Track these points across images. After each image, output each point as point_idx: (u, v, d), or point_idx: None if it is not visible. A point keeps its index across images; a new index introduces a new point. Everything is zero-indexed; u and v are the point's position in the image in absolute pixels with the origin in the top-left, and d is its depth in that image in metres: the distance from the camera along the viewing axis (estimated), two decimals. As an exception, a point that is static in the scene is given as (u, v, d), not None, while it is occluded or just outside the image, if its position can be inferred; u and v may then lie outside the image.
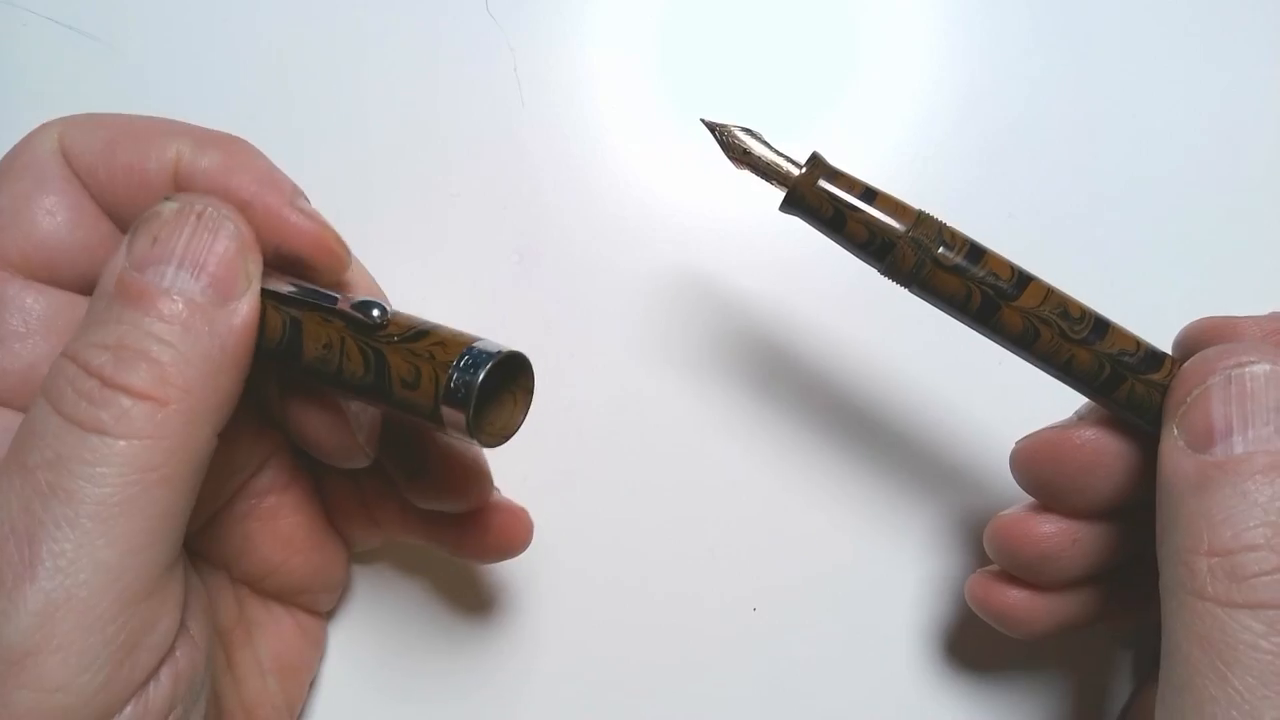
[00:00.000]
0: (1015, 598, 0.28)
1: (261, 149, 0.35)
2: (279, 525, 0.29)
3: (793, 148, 0.36)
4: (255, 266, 0.23)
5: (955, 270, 0.24)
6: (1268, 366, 0.22)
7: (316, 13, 0.37)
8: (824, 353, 0.35)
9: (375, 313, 0.23)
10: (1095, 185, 0.37)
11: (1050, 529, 0.27)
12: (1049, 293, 0.24)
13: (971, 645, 0.33)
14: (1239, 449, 0.21)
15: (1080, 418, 0.27)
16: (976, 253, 0.24)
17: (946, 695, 0.33)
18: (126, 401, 0.20)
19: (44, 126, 0.25)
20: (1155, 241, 0.37)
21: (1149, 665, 0.33)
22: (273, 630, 0.30)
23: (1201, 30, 0.38)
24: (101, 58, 0.37)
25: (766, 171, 0.24)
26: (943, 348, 0.34)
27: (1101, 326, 0.24)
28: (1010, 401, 0.32)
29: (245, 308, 0.22)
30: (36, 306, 0.24)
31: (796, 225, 0.36)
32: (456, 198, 0.36)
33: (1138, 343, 0.24)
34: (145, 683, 0.21)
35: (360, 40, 0.37)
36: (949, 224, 0.24)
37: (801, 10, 0.38)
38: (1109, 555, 0.27)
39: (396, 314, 0.23)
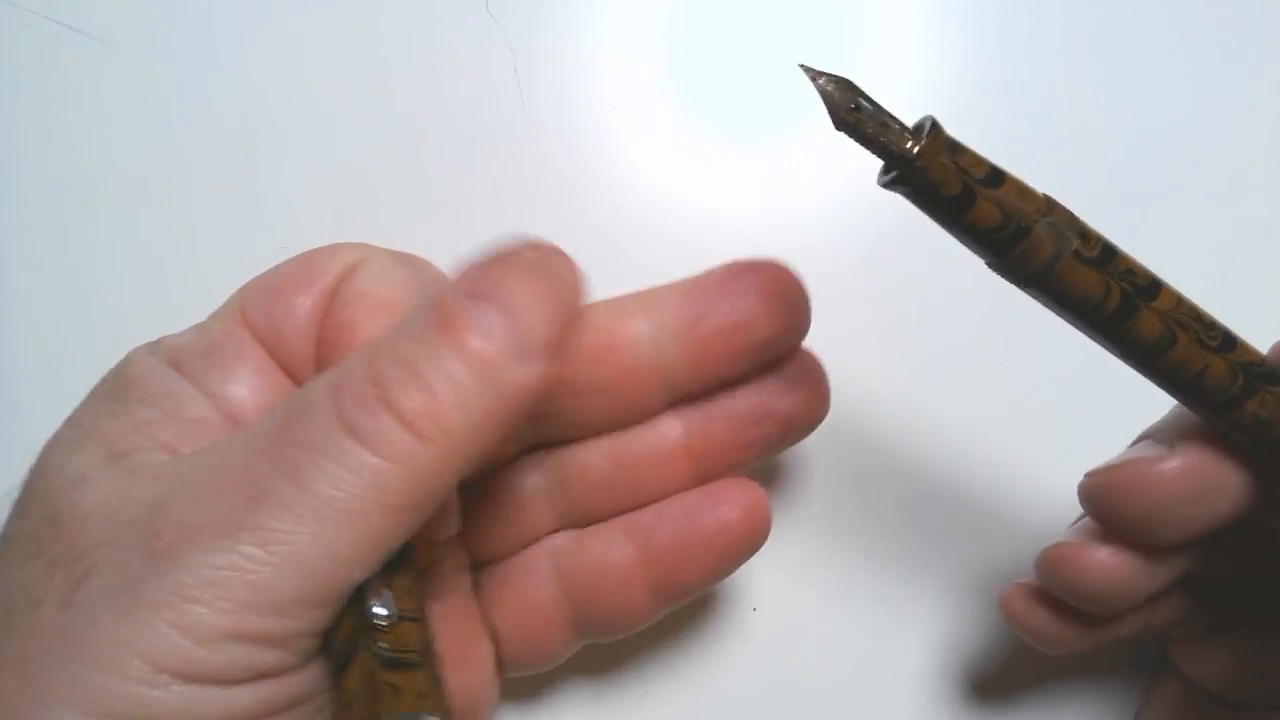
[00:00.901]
0: (1056, 622, 0.27)
1: (260, 149, 0.36)
2: (442, 629, 0.26)
3: (790, 144, 0.36)
4: (567, 336, 0.22)
5: (1097, 264, 0.21)
6: None
7: (316, 13, 0.37)
8: (834, 354, 0.35)
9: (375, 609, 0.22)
10: (1096, 184, 0.37)
11: (1116, 561, 0.25)
12: (1181, 299, 0.22)
13: (976, 644, 0.33)
14: None
15: (1166, 443, 0.25)
16: (1110, 250, 0.22)
17: (949, 694, 0.33)
18: (389, 421, 0.20)
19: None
20: (1157, 240, 0.36)
21: (1158, 671, 0.32)
22: None
23: (1205, 27, 0.39)
24: (101, 58, 0.36)
25: (874, 137, 0.21)
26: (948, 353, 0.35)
27: (1231, 336, 0.22)
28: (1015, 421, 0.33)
29: (538, 373, 0.21)
30: None
31: (797, 224, 0.36)
32: (456, 198, 0.36)
33: (1262, 356, 0.23)
34: (249, 682, 0.20)
35: (360, 40, 0.36)
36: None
37: (800, 10, 0.39)
38: (1170, 581, 0.26)
39: (400, 627, 0.22)
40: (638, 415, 0.27)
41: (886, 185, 0.21)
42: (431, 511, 0.21)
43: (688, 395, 0.27)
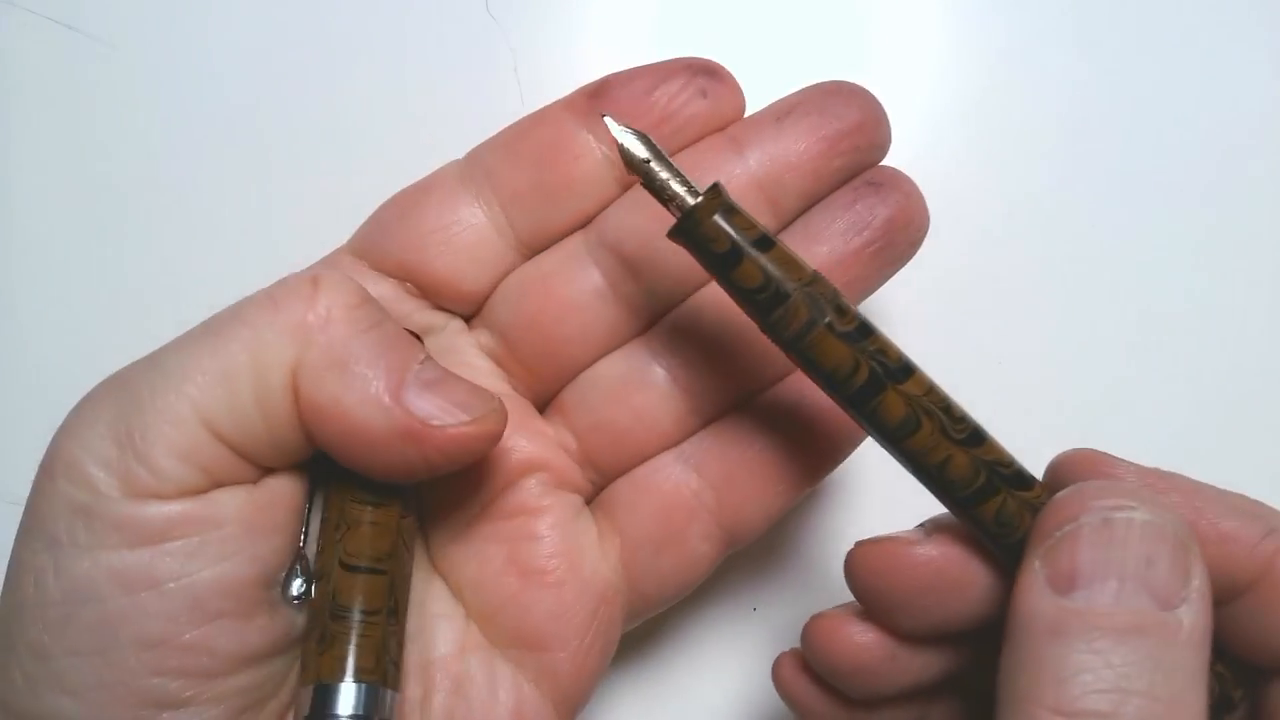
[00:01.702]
0: (818, 696, 0.27)
1: (260, 150, 0.37)
2: (524, 550, 0.26)
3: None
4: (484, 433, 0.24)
5: (848, 339, 0.22)
6: (1146, 516, 0.20)
7: (316, 13, 0.37)
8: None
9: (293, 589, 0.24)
10: (1095, 185, 0.37)
11: (866, 639, 0.25)
12: (932, 388, 0.22)
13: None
14: (1102, 601, 0.20)
15: (926, 531, 0.25)
16: (866, 329, 0.22)
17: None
18: (307, 291, 0.23)
19: None
20: (1156, 240, 0.37)
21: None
22: (486, 700, 0.26)
23: (1206, 29, 0.38)
24: (101, 58, 0.37)
25: (662, 189, 0.22)
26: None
27: (980, 431, 0.22)
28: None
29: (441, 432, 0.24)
30: None
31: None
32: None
33: (1011, 458, 0.23)
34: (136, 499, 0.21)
35: (360, 40, 0.37)
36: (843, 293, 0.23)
37: (801, 10, 0.38)
38: (926, 677, 0.25)
39: (314, 597, 0.24)
40: None
41: (670, 235, 0.23)
42: (294, 448, 0.23)
43: (789, 209, 0.27)
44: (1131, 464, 0.23)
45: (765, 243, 0.22)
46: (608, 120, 0.23)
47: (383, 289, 0.27)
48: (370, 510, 0.24)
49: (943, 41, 0.38)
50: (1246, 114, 0.37)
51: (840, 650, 0.25)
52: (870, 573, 0.24)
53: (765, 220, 0.25)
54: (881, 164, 0.28)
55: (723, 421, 0.27)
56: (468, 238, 0.27)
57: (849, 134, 0.27)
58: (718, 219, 0.22)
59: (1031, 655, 0.20)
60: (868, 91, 0.28)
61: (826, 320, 0.22)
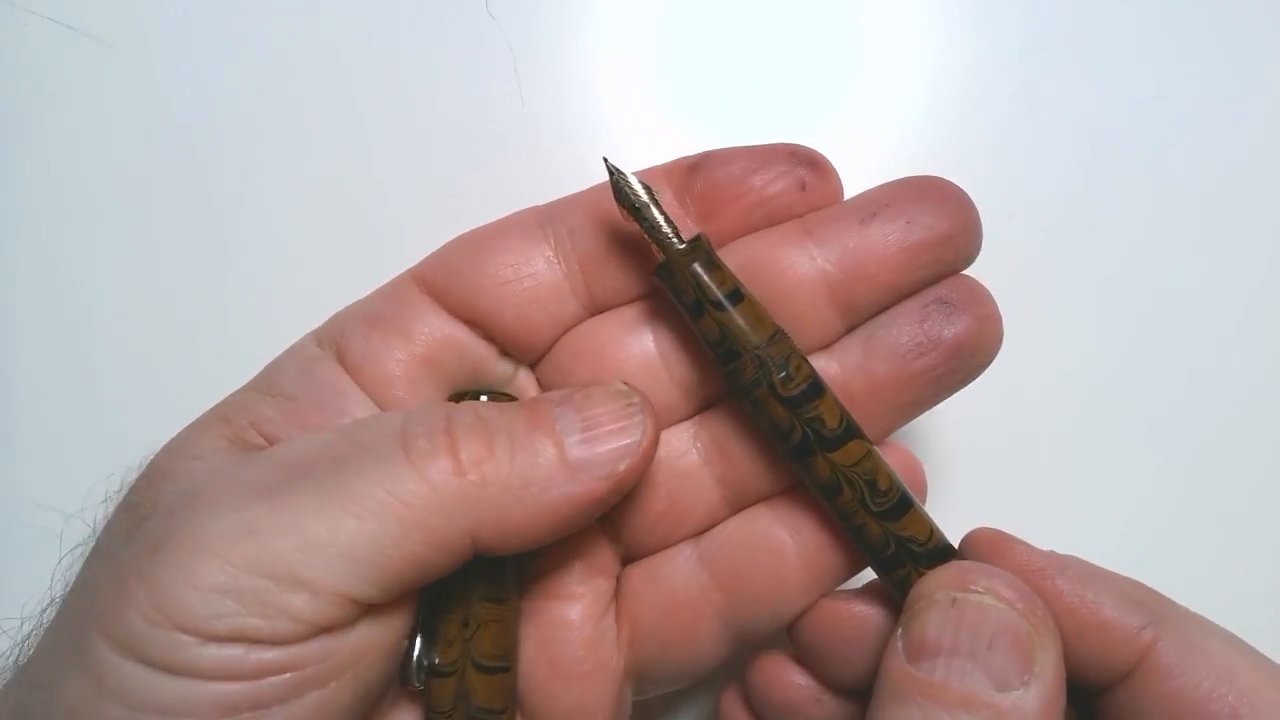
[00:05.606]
0: None
1: (260, 150, 0.37)
2: (556, 638, 0.26)
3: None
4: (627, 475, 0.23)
5: (786, 403, 0.23)
6: (992, 601, 0.22)
7: (316, 13, 0.37)
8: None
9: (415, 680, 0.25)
10: (1095, 185, 0.37)
11: (802, 681, 0.27)
12: (867, 455, 0.24)
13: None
14: (939, 674, 0.21)
15: (862, 591, 0.26)
16: (816, 390, 0.24)
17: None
18: (442, 451, 0.22)
19: None
20: (1157, 240, 0.37)
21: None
22: None
23: (1204, 30, 0.38)
24: (101, 58, 0.37)
25: (652, 233, 0.23)
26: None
27: (904, 506, 0.24)
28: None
29: (583, 492, 0.23)
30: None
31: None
32: (455, 198, 0.37)
33: (931, 533, 0.24)
34: (232, 642, 0.20)
35: (360, 40, 0.37)
36: (800, 351, 0.24)
37: (802, 10, 0.38)
38: None
39: (432, 684, 0.25)
40: (810, 339, 0.26)
41: (654, 276, 0.24)
42: (435, 563, 0.22)
43: (858, 313, 0.26)
44: (1027, 546, 0.24)
45: (735, 297, 0.24)
46: (606, 159, 0.24)
47: (454, 332, 0.26)
48: (494, 608, 0.25)
49: (942, 42, 0.38)
50: (1247, 114, 0.37)
51: (775, 688, 0.27)
52: (808, 625, 0.26)
53: (831, 321, 0.25)
54: (963, 274, 0.26)
55: (742, 516, 0.27)
56: (541, 291, 0.26)
57: (934, 246, 0.25)
58: (696, 269, 0.23)
59: (878, 711, 0.22)
60: (964, 195, 0.26)
61: (769, 383, 0.23)
